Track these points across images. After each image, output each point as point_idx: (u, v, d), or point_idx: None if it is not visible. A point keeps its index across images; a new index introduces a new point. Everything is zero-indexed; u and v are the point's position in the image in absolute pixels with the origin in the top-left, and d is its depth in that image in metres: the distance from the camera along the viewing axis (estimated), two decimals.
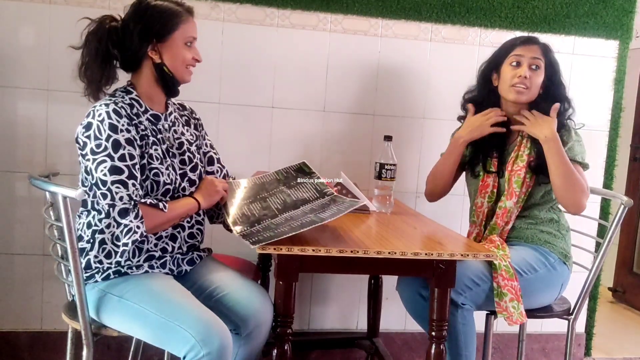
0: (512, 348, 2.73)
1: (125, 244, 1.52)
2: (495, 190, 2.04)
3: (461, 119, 2.17)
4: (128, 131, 1.55)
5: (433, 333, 1.65)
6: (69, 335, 1.70)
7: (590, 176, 2.67)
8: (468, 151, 2.12)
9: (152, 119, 1.66)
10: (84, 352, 1.56)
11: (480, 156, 2.08)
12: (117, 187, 1.50)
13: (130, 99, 1.63)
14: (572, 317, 2.03)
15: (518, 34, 2.57)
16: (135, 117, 1.60)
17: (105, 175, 1.51)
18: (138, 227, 1.51)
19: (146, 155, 1.60)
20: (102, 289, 1.57)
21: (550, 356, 2.81)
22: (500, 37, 2.34)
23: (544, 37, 2.59)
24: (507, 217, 1.98)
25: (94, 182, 1.53)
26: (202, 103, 1.83)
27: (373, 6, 2.47)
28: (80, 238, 1.61)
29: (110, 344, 2.40)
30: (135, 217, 1.51)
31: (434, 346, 1.66)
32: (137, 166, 1.55)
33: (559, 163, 1.89)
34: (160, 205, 1.57)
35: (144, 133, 1.61)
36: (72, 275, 1.50)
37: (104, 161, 1.51)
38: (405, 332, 2.08)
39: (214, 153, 1.86)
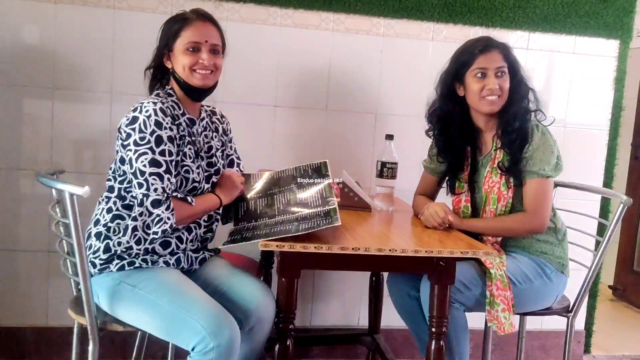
0: (512, 345, 2.74)
1: (155, 233, 1.59)
2: (468, 205, 1.99)
3: (428, 133, 2.11)
4: (171, 129, 1.63)
5: (433, 329, 1.68)
6: (75, 330, 1.73)
7: (590, 175, 2.72)
8: (442, 166, 2.08)
9: (188, 122, 1.74)
10: (90, 347, 1.59)
11: (449, 176, 2.05)
12: (154, 179, 1.57)
13: (172, 101, 1.72)
14: (572, 314, 2.04)
15: (519, 33, 2.60)
16: (176, 118, 1.69)
17: (145, 166, 1.57)
18: (169, 218, 1.59)
19: (181, 153, 1.68)
20: (117, 278, 1.62)
21: (550, 353, 2.83)
22: (501, 36, 2.35)
23: (544, 37, 2.64)
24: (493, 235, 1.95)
25: (132, 171, 1.60)
26: (206, 101, 1.85)
27: (375, 5, 2.49)
28: (97, 222, 1.68)
29: (114, 340, 2.43)
30: (167, 208, 1.58)
31: (434, 342, 1.68)
32: (174, 163, 1.63)
33: (486, 232, 1.93)
34: (189, 199, 1.65)
35: (182, 133, 1.69)
36: (79, 270, 1.53)
37: (145, 153, 1.58)
38: (406, 329, 2.10)
39: (236, 157, 1.96)
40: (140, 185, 1.58)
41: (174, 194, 1.62)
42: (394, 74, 2.56)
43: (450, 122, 2.01)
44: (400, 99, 2.58)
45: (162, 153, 1.59)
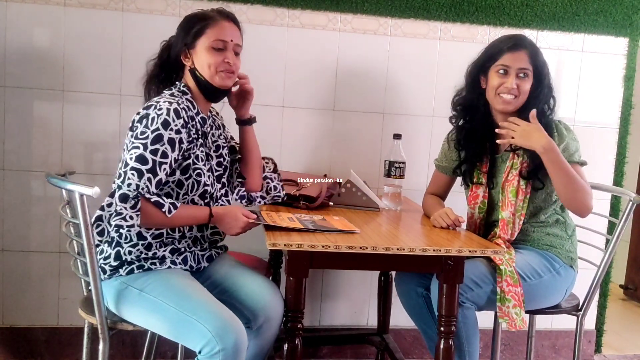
0: (522, 344, 2.74)
1: (110, 225, 1.54)
2: (485, 201, 2.00)
3: (452, 120, 2.11)
4: (178, 132, 1.59)
5: (442, 328, 1.68)
6: (85, 329, 1.74)
7: (600, 173, 2.71)
8: (459, 157, 2.08)
9: (201, 122, 1.73)
10: (100, 346, 1.60)
11: (467, 166, 2.04)
12: (132, 174, 1.54)
13: (187, 99, 1.70)
14: (581, 313, 2.04)
15: (527, 32, 2.59)
16: (190, 120, 1.66)
17: (131, 159, 1.55)
18: (131, 217, 1.53)
19: (192, 155, 1.66)
20: (124, 282, 1.62)
21: (560, 353, 2.82)
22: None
23: (553, 35, 2.63)
24: (509, 229, 1.93)
25: (122, 160, 1.59)
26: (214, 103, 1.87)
27: (382, 5, 2.49)
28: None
29: (124, 340, 2.45)
30: (132, 207, 1.53)
31: (442, 341, 1.68)
32: (165, 167, 1.58)
33: (560, 171, 1.81)
34: (165, 207, 1.57)
35: (195, 136, 1.67)
36: (89, 270, 1.54)
37: (137, 147, 1.56)
38: (415, 329, 2.10)
39: (236, 143, 1.94)
40: (119, 176, 1.56)
41: (150, 196, 1.55)
42: (402, 73, 2.56)
43: (474, 113, 2.03)
44: (408, 99, 2.58)
45: (154, 152, 1.56)
